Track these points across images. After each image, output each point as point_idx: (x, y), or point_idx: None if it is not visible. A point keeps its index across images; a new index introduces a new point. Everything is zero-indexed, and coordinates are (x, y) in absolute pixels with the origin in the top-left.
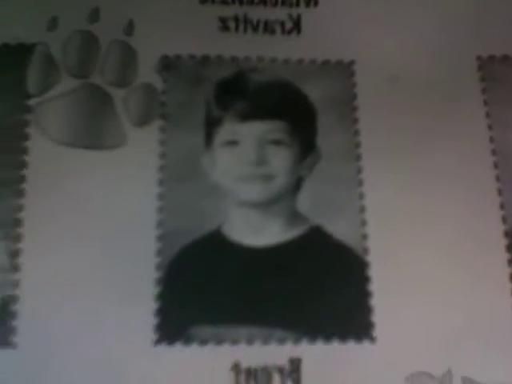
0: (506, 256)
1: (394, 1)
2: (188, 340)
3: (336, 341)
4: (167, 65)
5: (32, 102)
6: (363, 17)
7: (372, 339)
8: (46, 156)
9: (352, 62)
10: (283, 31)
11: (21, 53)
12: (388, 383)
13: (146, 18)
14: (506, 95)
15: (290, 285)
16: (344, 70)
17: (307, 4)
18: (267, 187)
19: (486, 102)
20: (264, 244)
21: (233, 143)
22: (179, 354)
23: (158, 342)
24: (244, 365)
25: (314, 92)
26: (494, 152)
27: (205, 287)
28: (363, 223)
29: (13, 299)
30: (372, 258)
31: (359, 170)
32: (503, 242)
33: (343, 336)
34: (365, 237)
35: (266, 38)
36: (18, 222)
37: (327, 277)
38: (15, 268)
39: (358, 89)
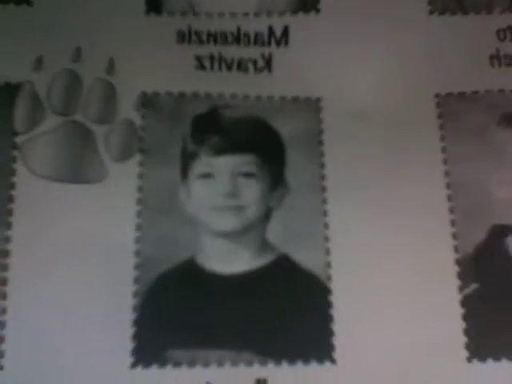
0: (456, 283)
1: (359, 39)
2: (163, 363)
3: (300, 362)
4: (146, 102)
5: (19, 139)
6: (330, 55)
7: (333, 361)
8: (32, 190)
9: (319, 99)
10: (255, 69)
11: (8, 92)
12: None
13: (126, 56)
14: (462, 130)
15: (258, 310)
16: (312, 107)
17: (278, 43)
18: (239, 218)
19: (442, 138)
20: (235, 272)
21: (207, 176)
22: (155, 376)
23: (135, 365)
24: None
25: (284, 127)
26: (448, 185)
27: (179, 313)
28: (327, 252)
29: (0, 324)
30: (334, 284)
31: (324, 201)
32: (455, 269)
33: (306, 358)
34: (328, 265)
35: (239, 76)
36: (5, 253)
37: (292, 302)
38: (2, 296)
39: (324, 124)
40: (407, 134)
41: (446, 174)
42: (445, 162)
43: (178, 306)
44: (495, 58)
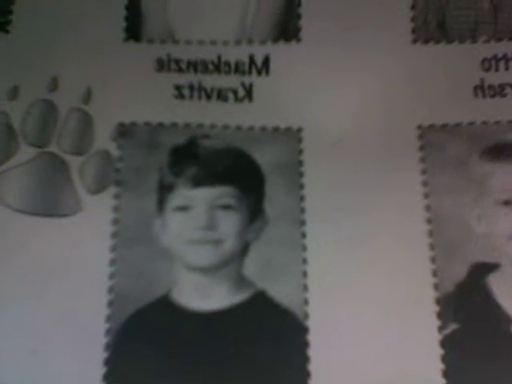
0: (436, 323)
1: (341, 68)
2: None
3: None
4: (123, 132)
5: None
6: (312, 85)
7: None
8: (5, 223)
9: (300, 129)
10: (236, 99)
11: None
12: None
13: (104, 85)
14: (443, 163)
15: (234, 349)
16: (292, 137)
17: (259, 72)
18: (216, 252)
19: (423, 171)
20: (211, 308)
21: (184, 208)
22: None
23: None
24: None
25: (264, 158)
26: (429, 220)
27: (152, 352)
28: (305, 288)
29: None
30: (311, 322)
31: (303, 235)
32: (434, 308)
33: None
34: (306, 301)
35: (219, 106)
36: None
37: (268, 341)
38: None
39: (305, 155)
40: (388, 165)
41: (427, 207)
42: (426, 196)
43: (151, 345)
44: (479, 89)
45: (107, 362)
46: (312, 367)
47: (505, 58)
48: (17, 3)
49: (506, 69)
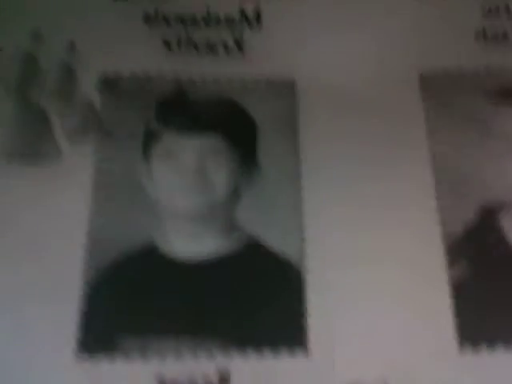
0: (445, 264)
1: (336, 18)
2: (111, 352)
3: (268, 351)
4: (107, 83)
5: None
6: (305, 36)
7: (305, 350)
8: None
9: (293, 81)
10: (226, 51)
11: None
12: None
13: (89, 39)
14: (447, 109)
15: (223, 296)
16: (286, 89)
17: (250, 24)
18: (204, 198)
19: (427, 119)
20: (198, 256)
21: (171, 155)
22: (102, 366)
23: (80, 351)
24: (169, 377)
25: (257, 110)
26: (434, 168)
27: (135, 299)
28: (301, 237)
29: None
30: (307, 269)
31: (299, 188)
32: (443, 252)
33: (275, 347)
34: (301, 250)
35: (208, 58)
36: None
37: (261, 287)
38: None
39: (300, 106)
40: (391, 114)
41: (433, 156)
42: (430, 143)
43: (133, 292)
44: (481, 35)
45: (84, 306)
46: (308, 312)
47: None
48: None
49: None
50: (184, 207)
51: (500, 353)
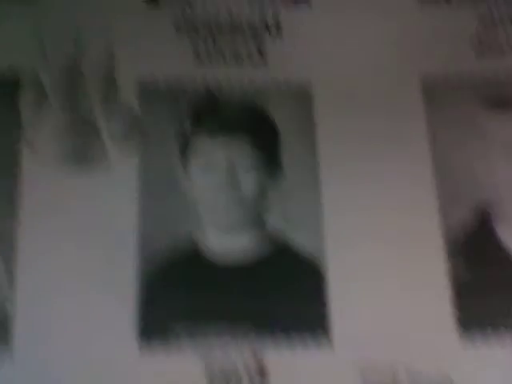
0: (444, 259)
1: (349, 26)
2: (165, 336)
3: (296, 338)
4: (145, 89)
5: (24, 125)
6: (321, 43)
7: (328, 337)
8: (38, 175)
9: (311, 85)
10: (249, 58)
11: (11, 83)
12: (342, 376)
13: (125, 45)
14: (448, 114)
15: (256, 291)
16: (304, 93)
17: (271, 33)
18: (236, 196)
19: (428, 121)
20: (233, 253)
21: (204, 156)
22: (158, 348)
23: (141, 336)
24: (215, 366)
25: (278, 113)
26: (434, 167)
27: (181, 293)
28: (321, 231)
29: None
30: (328, 262)
31: (317, 181)
32: (442, 244)
33: (301, 333)
34: (322, 242)
35: (233, 64)
36: (11, 234)
37: (288, 283)
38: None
39: (316, 109)
40: (395, 116)
41: (433, 157)
42: (431, 146)
43: (180, 287)
44: (478, 44)
45: (139, 298)
46: (330, 302)
47: (500, 15)
48: None
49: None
50: (219, 204)
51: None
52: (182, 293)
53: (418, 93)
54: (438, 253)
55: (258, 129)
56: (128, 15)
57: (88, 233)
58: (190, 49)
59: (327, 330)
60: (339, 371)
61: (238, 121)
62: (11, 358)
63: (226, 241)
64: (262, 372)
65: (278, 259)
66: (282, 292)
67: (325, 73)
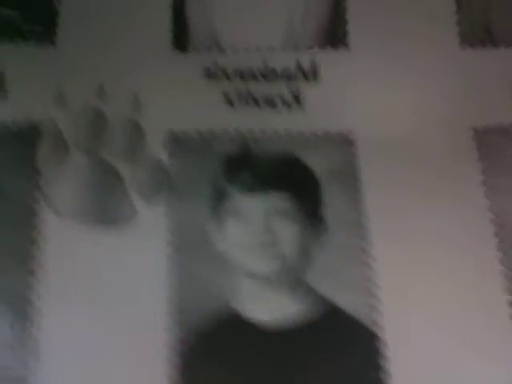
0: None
1: (390, 72)
2: None
3: None
4: (174, 140)
5: (42, 179)
6: (361, 89)
7: None
8: (57, 232)
9: (352, 134)
10: (284, 104)
11: (31, 131)
12: None
13: (152, 93)
14: (501, 162)
15: (299, 360)
16: (344, 142)
17: (307, 78)
18: (275, 258)
19: (483, 172)
20: (272, 318)
21: (239, 215)
22: None
23: None
24: None
25: (317, 163)
26: (491, 220)
27: (218, 369)
28: (372, 293)
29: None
30: (382, 329)
31: (364, 239)
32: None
33: None
34: (373, 307)
35: (267, 112)
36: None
37: (340, 352)
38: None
39: (359, 159)
40: (445, 166)
41: (489, 207)
42: (487, 196)
43: (216, 363)
44: None
45: (169, 377)
46: (388, 378)
47: None
48: (62, 15)
49: None
50: (255, 267)
51: None
52: (223, 363)
53: (470, 142)
54: (504, 318)
55: (296, 182)
56: (154, 60)
57: (111, 297)
58: (222, 96)
59: None
60: None
61: (274, 174)
62: None
63: (268, 310)
64: None
65: (328, 324)
66: (333, 359)
67: (366, 118)
